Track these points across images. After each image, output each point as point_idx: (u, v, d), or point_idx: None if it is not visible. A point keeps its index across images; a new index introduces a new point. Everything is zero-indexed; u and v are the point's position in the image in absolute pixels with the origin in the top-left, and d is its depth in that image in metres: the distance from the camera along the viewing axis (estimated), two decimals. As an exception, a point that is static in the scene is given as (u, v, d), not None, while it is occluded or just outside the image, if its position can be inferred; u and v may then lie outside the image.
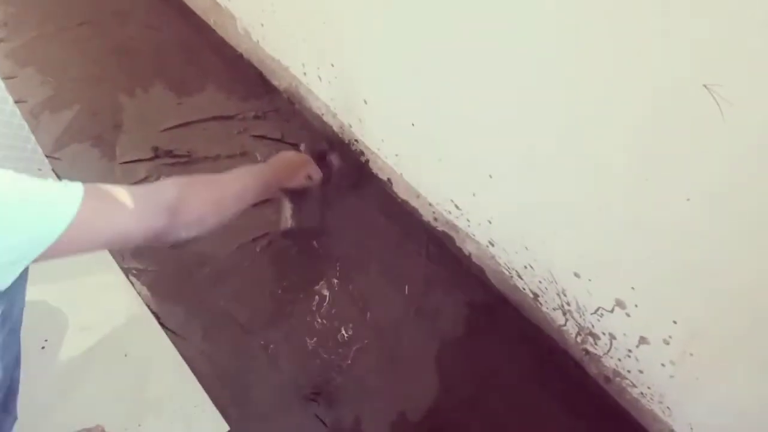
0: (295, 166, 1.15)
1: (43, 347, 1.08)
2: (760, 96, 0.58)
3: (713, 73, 0.60)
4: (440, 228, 1.27)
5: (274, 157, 1.15)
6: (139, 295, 1.17)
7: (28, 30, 1.66)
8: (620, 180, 0.79)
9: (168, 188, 0.83)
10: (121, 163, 1.37)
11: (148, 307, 1.15)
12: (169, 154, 1.39)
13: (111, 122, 1.46)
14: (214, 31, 1.70)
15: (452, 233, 1.24)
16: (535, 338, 1.16)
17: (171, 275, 1.21)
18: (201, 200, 0.87)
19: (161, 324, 1.14)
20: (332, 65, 1.25)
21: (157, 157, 1.39)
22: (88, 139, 1.42)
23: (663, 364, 0.92)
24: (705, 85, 0.61)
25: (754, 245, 0.68)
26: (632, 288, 0.89)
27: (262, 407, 1.05)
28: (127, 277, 1.19)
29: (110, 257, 1.21)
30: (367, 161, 1.36)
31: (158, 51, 1.64)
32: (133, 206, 0.76)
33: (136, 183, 1.33)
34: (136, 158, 1.38)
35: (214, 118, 1.48)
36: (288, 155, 1.16)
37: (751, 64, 0.57)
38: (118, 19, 1.71)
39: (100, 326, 1.12)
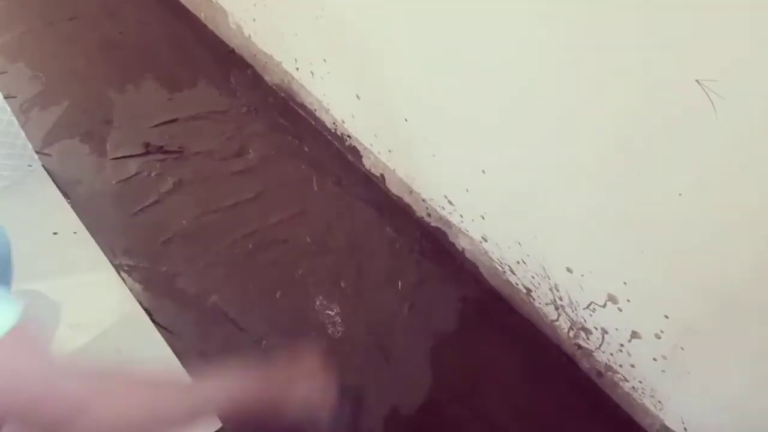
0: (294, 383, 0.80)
1: (33, 344, 1.08)
2: (751, 90, 0.58)
3: (705, 68, 0.60)
4: (434, 224, 1.27)
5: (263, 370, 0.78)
6: (131, 292, 1.16)
7: (18, 25, 1.65)
8: (613, 175, 0.79)
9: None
10: (111, 159, 1.36)
11: (140, 303, 1.15)
12: (161, 149, 1.38)
13: (101, 118, 1.45)
14: (205, 26, 1.69)
15: (445, 229, 1.24)
16: (527, 333, 1.17)
17: (163, 271, 1.20)
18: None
19: (153, 320, 1.13)
20: (324, 60, 1.25)
21: (148, 152, 1.38)
22: (78, 134, 1.41)
23: (655, 359, 0.92)
24: (697, 81, 0.61)
25: (746, 240, 0.69)
26: (624, 283, 0.89)
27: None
28: (119, 273, 1.18)
29: (101, 254, 1.20)
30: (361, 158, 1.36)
31: (149, 46, 1.62)
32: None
33: (127, 179, 1.32)
34: (127, 154, 1.37)
35: (206, 114, 1.47)
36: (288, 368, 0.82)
37: (741, 58, 0.57)
38: (108, 13, 1.70)
39: (92, 323, 1.11)
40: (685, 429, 0.97)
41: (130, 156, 1.37)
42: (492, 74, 0.87)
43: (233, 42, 1.61)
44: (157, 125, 1.44)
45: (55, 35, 1.63)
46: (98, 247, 1.21)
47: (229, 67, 1.59)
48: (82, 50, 1.60)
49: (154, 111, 1.46)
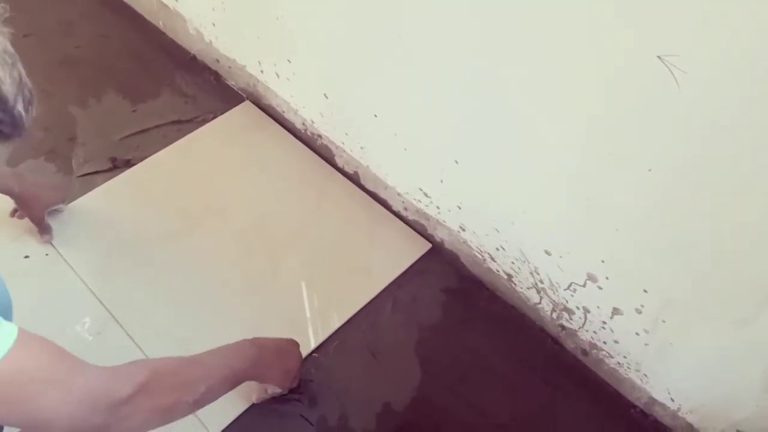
0: (289, 363, 1.00)
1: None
2: (713, 63, 0.59)
3: (666, 44, 0.61)
4: (411, 217, 1.27)
5: (270, 344, 0.97)
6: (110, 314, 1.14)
7: (-31, 45, 1.60)
8: (582, 156, 0.80)
9: (129, 378, 0.67)
10: (78, 176, 1.33)
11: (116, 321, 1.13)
12: (128, 163, 1.36)
13: (65, 135, 1.41)
14: (164, 34, 1.66)
15: (423, 221, 1.25)
16: (512, 318, 1.18)
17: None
18: (159, 401, 0.71)
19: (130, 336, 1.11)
20: (289, 61, 1.24)
21: (115, 167, 1.35)
22: (42, 154, 1.37)
23: (637, 333, 0.94)
24: (659, 57, 0.62)
25: (717, 210, 0.70)
26: (602, 261, 0.90)
27: (246, 413, 1.04)
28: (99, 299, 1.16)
29: (75, 275, 1.17)
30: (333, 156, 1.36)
31: (108, 58, 1.59)
32: (73, 387, 0.62)
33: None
34: (93, 170, 1.34)
35: (172, 123, 1.44)
36: (285, 347, 1.00)
37: (700, 31, 0.58)
38: (64, 28, 1.66)
39: (70, 345, 1.08)
40: (672, 399, 0.99)
41: (97, 172, 1.34)
42: (456, 65, 0.87)
43: (194, 48, 1.59)
44: (122, 138, 1.41)
45: (10, 54, 1.59)
46: (71, 269, 1.18)
47: (191, 74, 1.57)
48: (40, 67, 1.56)
49: (118, 124, 1.44)
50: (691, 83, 0.62)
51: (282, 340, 1.01)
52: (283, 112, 1.41)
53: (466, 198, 1.08)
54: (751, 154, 0.63)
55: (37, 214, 1.18)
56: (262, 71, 1.36)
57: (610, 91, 0.70)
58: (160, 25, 1.66)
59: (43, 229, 1.20)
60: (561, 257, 0.97)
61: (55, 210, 1.23)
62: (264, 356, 0.92)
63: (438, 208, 1.16)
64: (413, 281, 1.21)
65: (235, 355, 0.87)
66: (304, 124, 1.37)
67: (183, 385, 0.75)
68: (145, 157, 1.36)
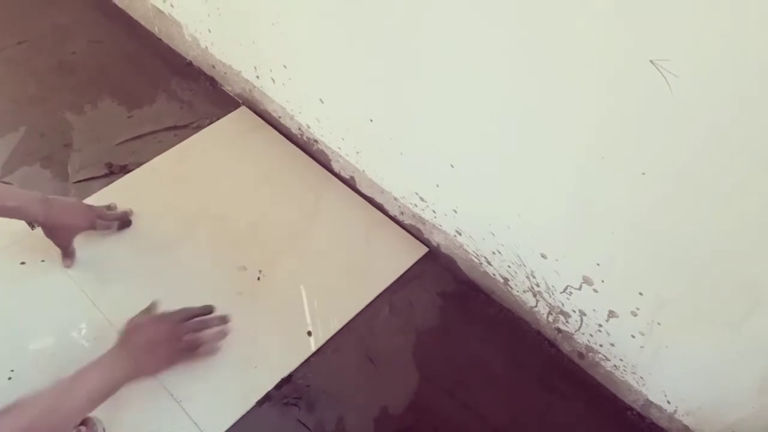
0: (168, 350, 1.01)
1: (9, 378, 1.05)
2: (705, 67, 0.60)
3: (658, 48, 0.61)
4: (407, 221, 1.27)
5: (129, 334, 0.99)
6: (107, 319, 1.14)
7: (-36, 53, 1.60)
8: (577, 160, 0.80)
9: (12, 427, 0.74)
10: (74, 182, 1.33)
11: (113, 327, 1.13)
12: (124, 169, 1.36)
13: (60, 141, 1.41)
14: (160, 40, 1.66)
15: (419, 225, 1.25)
16: (508, 322, 1.18)
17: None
18: None
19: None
20: (285, 66, 1.24)
21: (111, 173, 1.35)
22: (38, 160, 1.37)
23: (633, 336, 0.94)
24: (651, 61, 0.62)
25: (712, 212, 0.70)
26: (597, 264, 0.91)
27: (243, 418, 1.04)
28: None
29: (72, 281, 1.17)
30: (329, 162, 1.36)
31: (103, 64, 1.59)
32: None
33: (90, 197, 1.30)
34: (89, 176, 1.34)
35: (168, 129, 1.45)
36: (149, 329, 1.01)
37: (693, 36, 0.59)
38: (59, 34, 1.66)
39: (66, 351, 1.08)
40: (668, 401, 0.99)
41: (93, 178, 1.34)
42: (452, 69, 0.87)
43: (190, 54, 1.59)
44: (118, 144, 1.41)
45: (6, 61, 1.59)
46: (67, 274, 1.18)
47: (187, 79, 1.57)
48: (35, 74, 1.56)
49: (114, 130, 1.44)
50: (683, 87, 0.62)
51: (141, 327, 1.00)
52: (279, 117, 1.42)
53: (462, 202, 1.08)
54: (744, 157, 0.63)
55: (62, 242, 1.14)
56: (257, 77, 1.37)
57: (604, 94, 0.71)
58: (156, 31, 1.66)
59: (66, 255, 1.16)
60: (557, 260, 0.98)
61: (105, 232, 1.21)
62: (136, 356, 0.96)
63: (434, 212, 1.17)
64: (410, 285, 1.22)
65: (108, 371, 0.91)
66: (300, 129, 1.37)
67: (63, 420, 0.81)
68: (142, 163, 1.37)
